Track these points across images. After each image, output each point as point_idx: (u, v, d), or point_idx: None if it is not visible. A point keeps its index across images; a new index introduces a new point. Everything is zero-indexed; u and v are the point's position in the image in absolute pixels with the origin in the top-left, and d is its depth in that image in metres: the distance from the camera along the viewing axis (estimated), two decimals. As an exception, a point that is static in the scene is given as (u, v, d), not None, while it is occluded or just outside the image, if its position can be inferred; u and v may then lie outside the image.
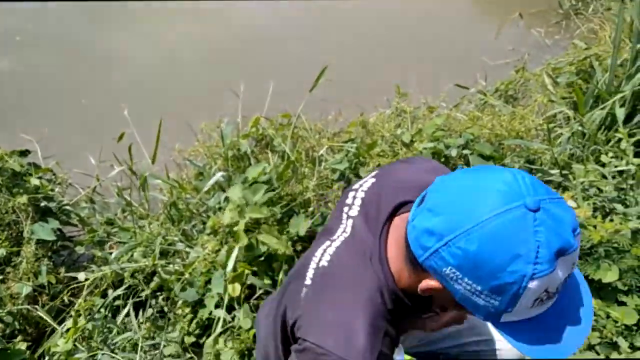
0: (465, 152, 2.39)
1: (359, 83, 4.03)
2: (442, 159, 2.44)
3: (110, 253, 2.27)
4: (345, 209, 1.08)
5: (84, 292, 2.13)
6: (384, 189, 1.07)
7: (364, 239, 1.01)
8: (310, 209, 2.21)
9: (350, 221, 1.06)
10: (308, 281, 1.00)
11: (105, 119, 3.71)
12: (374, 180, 1.11)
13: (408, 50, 4.59)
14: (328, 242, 1.05)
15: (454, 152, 2.35)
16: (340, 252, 1.02)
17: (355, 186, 1.12)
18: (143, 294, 2.14)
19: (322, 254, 1.03)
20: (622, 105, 2.57)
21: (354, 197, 1.09)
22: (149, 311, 2.13)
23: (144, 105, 3.69)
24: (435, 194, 0.83)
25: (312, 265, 1.02)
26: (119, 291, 2.14)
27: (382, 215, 1.01)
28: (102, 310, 2.09)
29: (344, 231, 1.06)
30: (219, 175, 2.35)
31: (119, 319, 2.12)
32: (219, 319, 1.94)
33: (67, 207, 2.58)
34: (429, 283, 0.86)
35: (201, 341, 2.07)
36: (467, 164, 2.39)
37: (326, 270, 1.00)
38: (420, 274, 0.87)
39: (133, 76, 4.44)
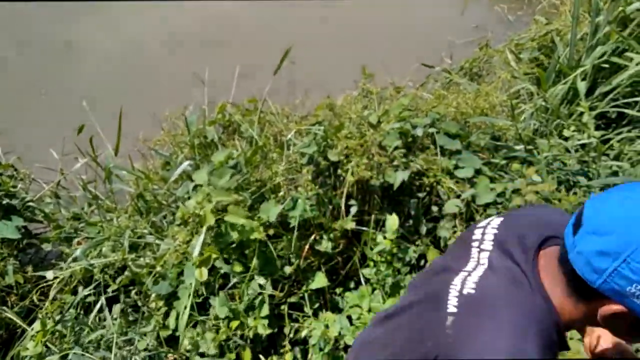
0: (432, 130, 2.41)
1: (325, 66, 4.01)
2: (410, 139, 2.45)
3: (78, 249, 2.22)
4: (475, 244, 1.07)
5: (52, 292, 2.09)
6: (521, 226, 1.06)
7: (509, 268, 0.99)
8: (281, 193, 2.20)
9: (485, 254, 1.04)
10: (452, 309, 0.95)
11: (67, 110, 3.60)
12: (502, 219, 1.11)
13: (374, 31, 4.57)
14: (464, 274, 1.02)
15: (419, 132, 2.36)
16: (485, 280, 0.98)
17: (481, 224, 1.12)
18: (113, 290, 2.11)
19: (463, 283, 0.99)
20: (583, 79, 2.62)
21: (483, 234, 1.08)
22: (121, 306, 2.10)
23: (107, 96, 3.60)
24: (595, 217, 0.82)
25: (453, 293, 0.97)
26: (89, 289, 2.10)
27: (528, 247, 0.99)
28: (72, 310, 2.05)
29: (478, 263, 1.04)
30: (185, 164, 2.32)
31: (92, 316, 2.09)
32: (186, 307, 1.92)
33: (31, 204, 2.51)
34: (611, 308, 0.82)
35: (177, 334, 2.06)
36: (434, 143, 2.41)
37: (475, 297, 0.96)
38: (589, 304, 0.86)
39: (94, 66, 4.32)
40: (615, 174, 2.04)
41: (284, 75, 3.00)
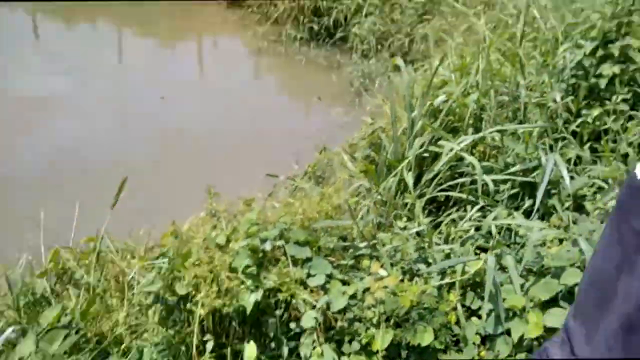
0: (280, 243, 2.41)
1: (171, 187, 3.92)
2: (260, 254, 2.42)
3: None
4: None
5: None
6: None
7: None
8: (123, 345, 1.99)
9: None
10: None
11: None
12: None
13: (220, 145, 4.64)
14: None
15: (268, 246, 2.35)
16: None
17: None
18: None
19: None
20: (410, 170, 2.86)
21: None
22: None
23: None
24: None
25: None
26: None
27: None
28: None
29: None
30: (9, 332, 2.02)
31: None
32: None
33: None
34: None
35: None
36: (285, 254, 2.40)
37: None
38: None
39: None
40: (448, 256, 2.18)
41: (127, 204, 2.88)
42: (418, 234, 2.41)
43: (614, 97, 2.77)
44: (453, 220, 2.47)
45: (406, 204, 2.76)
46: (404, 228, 2.46)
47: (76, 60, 6.60)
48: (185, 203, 3.35)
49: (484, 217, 2.40)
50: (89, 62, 6.57)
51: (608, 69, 2.80)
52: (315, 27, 6.71)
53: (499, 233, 2.24)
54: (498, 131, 2.83)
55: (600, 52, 2.90)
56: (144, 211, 3.43)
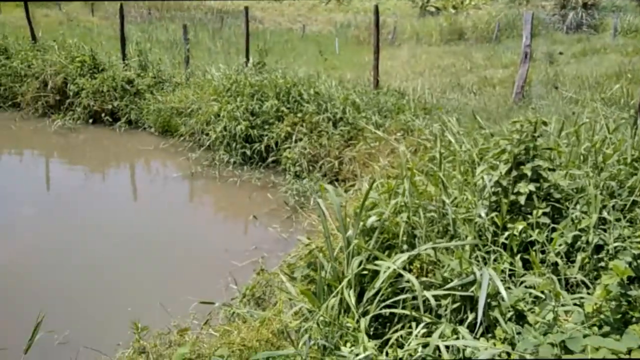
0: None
1: (97, 320, 3.59)
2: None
3: None
4: None
5: None
6: None
7: None
8: None
9: None
10: None
11: None
12: None
13: (155, 272, 4.41)
14: None
15: (205, 383, 2.15)
16: None
17: None
18: None
19: None
20: (351, 288, 2.82)
21: None
22: None
23: None
24: None
25: None
26: None
27: None
28: None
29: None
30: None
31: None
32: None
33: None
34: None
35: None
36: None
37: None
38: None
39: None
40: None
41: (45, 341, 2.56)
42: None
43: (534, 212, 2.98)
44: (400, 337, 2.41)
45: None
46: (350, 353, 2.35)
47: (3, 188, 6.32)
48: (114, 336, 3.07)
49: (430, 332, 2.36)
50: (17, 190, 6.30)
51: (524, 187, 3.05)
52: (248, 152, 6.91)
53: (447, 349, 2.20)
54: (431, 248, 2.91)
55: (514, 173, 3.18)
56: (65, 347, 3.08)
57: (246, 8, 9.91)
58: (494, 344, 2.16)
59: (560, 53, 14.62)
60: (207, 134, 7.36)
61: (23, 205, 5.87)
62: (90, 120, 9.02)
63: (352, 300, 2.68)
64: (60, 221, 5.45)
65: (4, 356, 2.87)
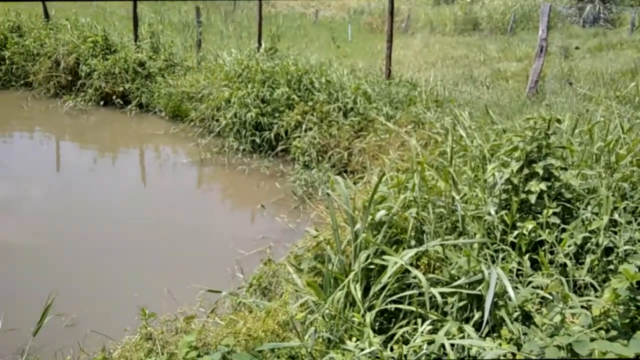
0: (224, 367, 2.23)
1: (105, 305, 3.63)
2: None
3: None
4: None
5: None
6: None
7: None
8: None
9: None
10: None
11: None
12: None
13: (163, 258, 4.44)
14: None
15: (210, 372, 2.17)
16: None
17: None
18: None
19: None
20: (358, 282, 2.82)
21: None
22: None
23: None
24: None
25: None
26: None
27: None
28: None
29: None
30: None
31: None
32: None
33: None
34: None
35: None
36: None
37: None
38: None
39: None
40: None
41: (54, 323, 2.60)
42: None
43: (544, 211, 2.96)
44: (406, 333, 2.42)
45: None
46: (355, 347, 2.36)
47: (14, 168, 6.37)
48: (121, 321, 3.10)
49: (436, 330, 2.37)
50: (28, 170, 6.36)
51: (535, 186, 3.02)
52: (258, 140, 6.91)
53: (452, 347, 2.20)
54: (440, 244, 2.90)
55: (526, 171, 3.15)
56: (73, 330, 3.12)
57: (260, -8, 9.84)
58: (500, 344, 2.16)
59: (577, 48, 14.41)
60: (217, 120, 7.36)
61: (33, 185, 5.93)
62: (102, 102, 9.05)
63: (358, 294, 2.68)
64: (69, 203, 5.49)
65: (13, 337, 2.91)
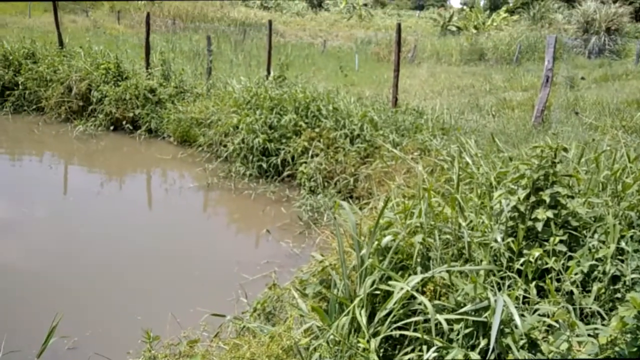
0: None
1: (108, 327, 3.61)
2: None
3: None
4: None
5: None
6: None
7: None
8: None
9: None
10: None
11: None
12: None
13: (167, 281, 4.44)
14: None
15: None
16: None
17: None
18: None
19: None
20: (363, 307, 2.80)
21: None
22: None
23: None
24: None
25: None
26: None
27: None
28: None
29: None
30: None
31: None
32: None
33: None
34: None
35: None
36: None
37: None
38: None
39: None
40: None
41: (57, 346, 2.59)
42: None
43: (551, 239, 2.95)
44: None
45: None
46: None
47: (22, 191, 6.45)
48: (124, 344, 3.09)
49: (441, 357, 2.34)
50: (35, 193, 6.42)
51: (542, 214, 3.02)
52: (264, 165, 6.96)
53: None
54: (446, 271, 2.89)
55: (532, 198, 3.15)
56: (76, 353, 3.11)
57: (270, 21, 10.06)
58: (506, 373, 2.13)
59: (583, 78, 14.52)
60: (225, 146, 7.43)
61: (39, 208, 5.98)
62: (111, 128, 9.18)
63: (363, 320, 2.67)
64: (75, 226, 5.52)
65: (17, 359, 2.90)
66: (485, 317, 2.44)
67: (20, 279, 4.30)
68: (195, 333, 3.13)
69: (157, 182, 7.60)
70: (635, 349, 2.10)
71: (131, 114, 9.12)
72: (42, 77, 10.13)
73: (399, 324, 2.71)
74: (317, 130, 6.90)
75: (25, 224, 5.47)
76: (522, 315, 2.51)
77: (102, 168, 7.87)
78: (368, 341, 2.57)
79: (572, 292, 2.73)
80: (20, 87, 10.19)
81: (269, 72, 9.30)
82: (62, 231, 5.39)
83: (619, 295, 2.72)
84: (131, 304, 3.96)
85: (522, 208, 3.15)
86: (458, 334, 2.51)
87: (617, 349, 2.14)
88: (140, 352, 2.79)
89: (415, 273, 2.97)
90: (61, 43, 11.47)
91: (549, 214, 3.01)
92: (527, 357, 2.17)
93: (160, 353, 2.65)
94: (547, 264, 2.91)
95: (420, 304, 2.69)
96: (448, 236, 3.37)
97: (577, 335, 2.28)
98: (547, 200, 3.07)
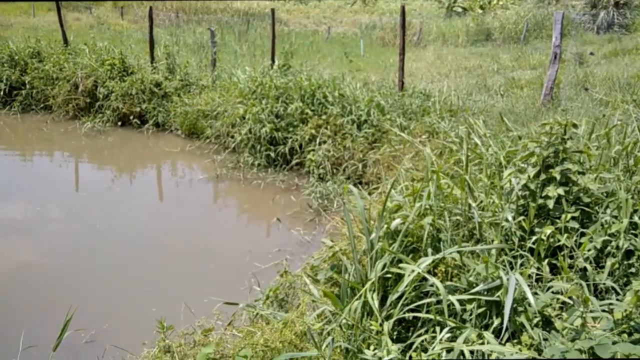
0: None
1: (123, 319, 3.66)
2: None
3: None
4: None
5: None
6: None
7: None
8: None
9: None
10: None
11: None
12: None
13: (181, 272, 4.48)
14: None
15: (229, 383, 2.17)
16: None
17: None
18: None
19: None
20: (374, 291, 2.80)
21: None
22: None
23: None
24: None
25: None
26: None
27: None
28: None
29: None
30: None
31: None
32: None
33: None
34: None
35: None
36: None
37: None
38: None
39: None
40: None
41: (72, 339, 2.63)
42: (389, 360, 2.30)
43: (563, 216, 2.92)
44: (424, 342, 2.39)
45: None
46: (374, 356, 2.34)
47: (34, 189, 6.51)
48: (139, 335, 3.12)
49: (455, 337, 2.33)
50: (47, 191, 6.49)
51: (553, 191, 2.99)
52: (272, 155, 6.96)
53: (472, 354, 2.17)
54: (457, 251, 2.87)
55: (543, 176, 3.12)
56: (92, 345, 3.15)
57: (272, 10, 9.98)
58: (520, 350, 2.12)
59: (591, 54, 14.27)
60: (232, 137, 7.44)
61: (52, 205, 6.04)
62: (119, 123, 9.22)
63: (375, 304, 2.67)
64: (88, 221, 5.58)
65: (35, 354, 2.95)
66: (498, 296, 2.43)
67: (34, 276, 4.36)
68: (210, 322, 3.16)
69: (166, 175, 7.64)
70: (650, 323, 2.08)
71: (138, 109, 9.14)
72: (49, 75, 10.17)
73: (411, 306, 2.71)
74: (323, 117, 6.87)
75: (39, 222, 5.54)
76: (535, 294, 2.50)
77: (112, 163, 7.91)
78: (381, 324, 2.57)
79: (585, 269, 2.71)
80: (27, 86, 10.24)
81: (273, 61, 9.25)
82: (75, 228, 5.44)
83: (633, 270, 2.69)
84: (146, 296, 4.00)
85: (532, 186, 3.12)
86: (471, 314, 2.51)
87: (632, 323, 2.12)
88: (155, 342, 2.82)
89: (426, 255, 2.96)
90: (66, 41, 11.49)
91: (560, 191, 2.97)
92: (541, 335, 2.15)
93: (175, 342, 2.68)
94: (559, 241, 2.88)
95: (432, 285, 2.68)
96: (458, 217, 3.35)
97: (591, 311, 2.26)
98: (558, 177, 3.03)
